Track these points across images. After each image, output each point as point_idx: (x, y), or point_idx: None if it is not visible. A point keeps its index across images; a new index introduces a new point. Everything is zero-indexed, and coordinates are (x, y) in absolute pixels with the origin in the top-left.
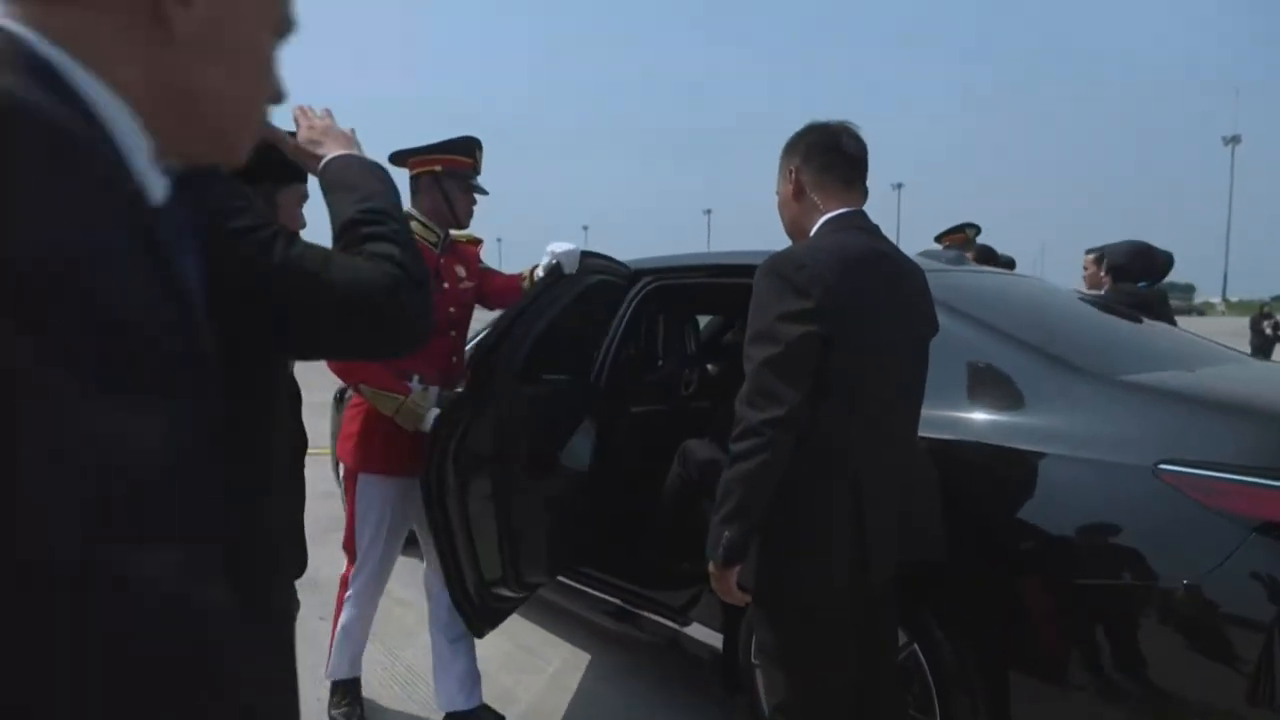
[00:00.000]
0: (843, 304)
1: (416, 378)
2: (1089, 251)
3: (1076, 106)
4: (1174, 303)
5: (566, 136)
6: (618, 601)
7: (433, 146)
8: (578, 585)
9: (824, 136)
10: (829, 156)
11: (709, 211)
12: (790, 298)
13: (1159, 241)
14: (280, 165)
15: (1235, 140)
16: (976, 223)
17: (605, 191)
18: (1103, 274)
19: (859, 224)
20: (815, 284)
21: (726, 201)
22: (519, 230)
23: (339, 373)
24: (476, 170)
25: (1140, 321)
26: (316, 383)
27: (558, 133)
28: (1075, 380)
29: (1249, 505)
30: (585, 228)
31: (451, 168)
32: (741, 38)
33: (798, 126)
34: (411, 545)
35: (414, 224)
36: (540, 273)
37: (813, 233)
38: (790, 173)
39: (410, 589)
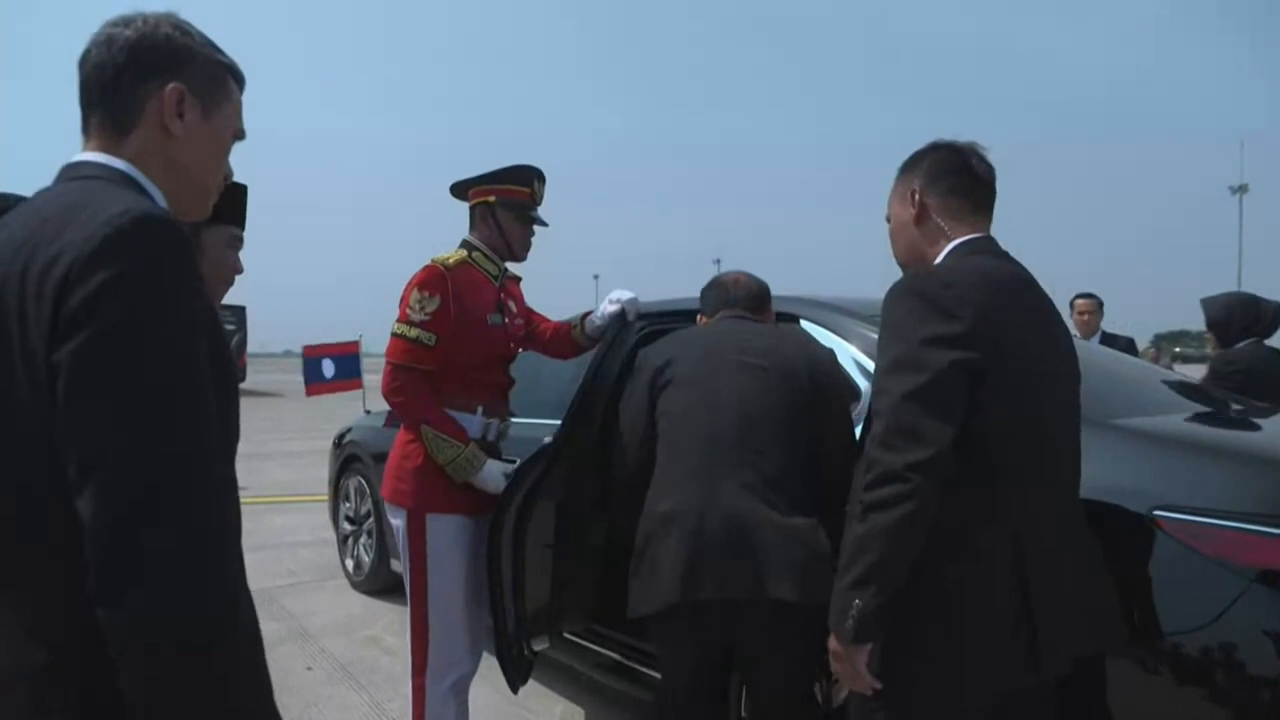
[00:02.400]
0: (996, 332)
1: (481, 408)
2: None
3: (1081, 156)
4: (1188, 351)
5: (578, 185)
6: (615, 655)
7: (487, 176)
8: (572, 638)
9: (950, 155)
10: (957, 178)
11: (718, 261)
12: (936, 320)
13: (1172, 289)
14: (239, 208)
15: (1243, 189)
16: None
17: (617, 241)
18: (1207, 333)
19: (995, 249)
20: (965, 305)
21: (735, 250)
22: (528, 279)
23: (402, 407)
24: (535, 201)
25: (1141, 365)
26: (317, 430)
27: (568, 181)
28: None
29: (1250, 554)
30: (596, 277)
31: (506, 197)
32: (751, 93)
33: (811, 178)
34: (398, 592)
35: (476, 253)
36: (597, 320)
37: (942, 257)
38: (911, 195)
39: (400, 636)
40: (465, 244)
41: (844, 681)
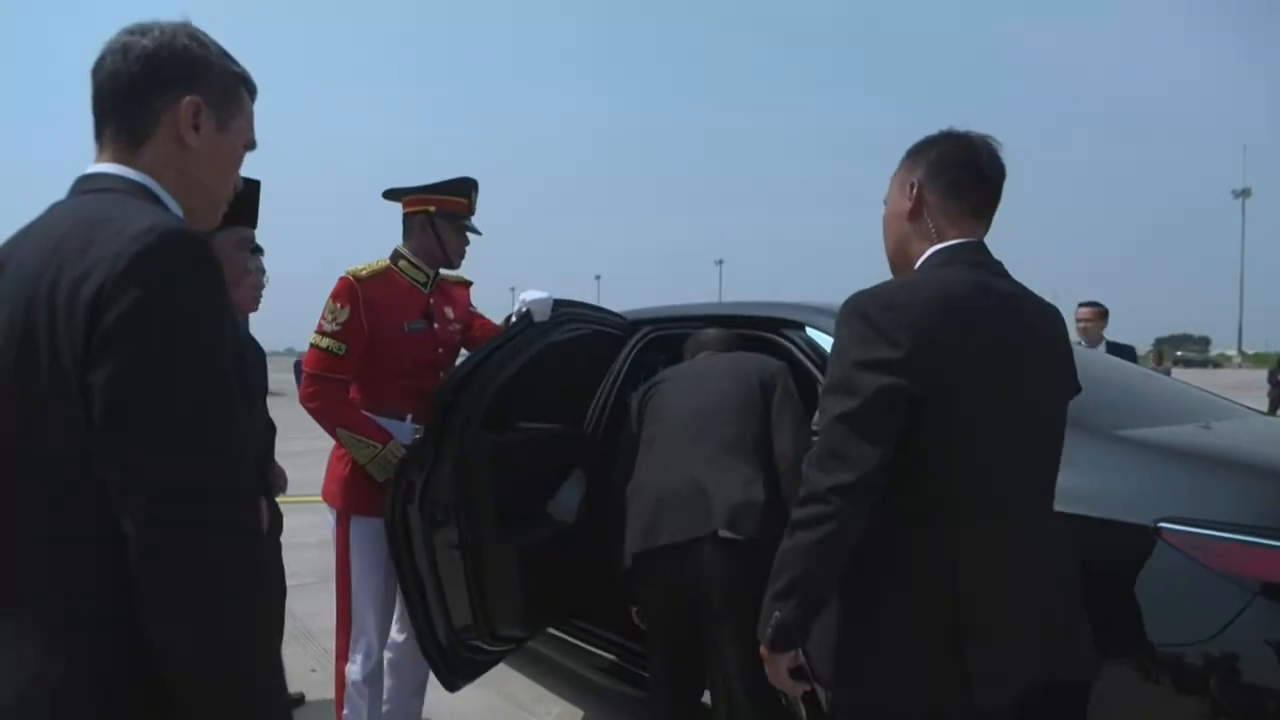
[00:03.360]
0: (941, 356)
1: (409, 416)
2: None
3: (1083, 159)
4: (1189, 355)
5: (579, 186)
6: (612, 656)
7: (428, 187)
8: (570, 639)
9: (960, 150)
10: (963, 176)
11: (721, 262)
12: (874, 343)
13: (1172, 294)
14: (251, 208)
15: (1245, 193)
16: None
17: (619, 242)
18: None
19: (971, 258)
20: (905, 329)
21: (737, 250)
22: (532, 280)
23: (316, 414)
24: (471, 211)
25: (1144, 374)
26: (319, 429)
27: (571, 182)
28: (1071, 434)
29: (1254, 566)
30: (598, 277)
31: (445, 208)
32: (752, 95)
33: (811, 178)
34: None
35: (403, 262)
36: (514, 320)
37: (918, 265)
38: (911, 186)
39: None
40: (394, 253)
41: (773, 683)
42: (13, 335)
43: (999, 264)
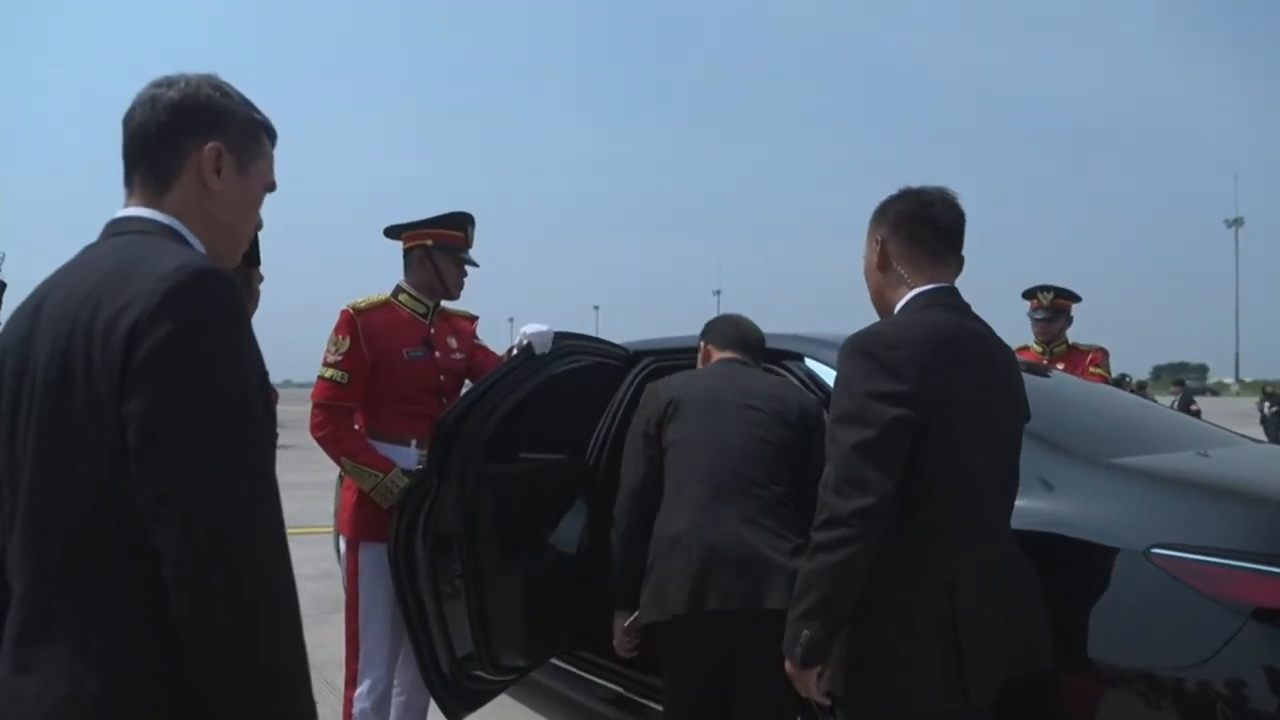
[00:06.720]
0: (936, 390)
1: (415, 441)
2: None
3: (1073, 186)
4: (1188, 383)
5: (580, 216)
6: (617, 688)
7: (424, 221)
8: (573, 669)
9: (915, 205)
10: (918, 227)
11: (718, 292)
12: (882, 378)
13: (1170, 321)
14: (254, 250)
15: (1238, 223)
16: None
17: (618, 272)
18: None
19: (948, 301)
20: (909, 366)
21: (736, 282)
22: (531, 309)
23: (323, 441)
24: (468, 244)
25: (1140, 404)
26: (316, 461)
27: (571, 213)
28: (1065, 463)
29: (1244, 590)
30: (596, 307)
31: (442, 241)
32: (749, 127)
33: (807, 209)
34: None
35: (403, 295)
36: (515, 353)
37: (899, 307)
38: (877, 242)
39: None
40: (395, 288)
41: (803, 695)
42: (52, 364)
43: (968, 305)
